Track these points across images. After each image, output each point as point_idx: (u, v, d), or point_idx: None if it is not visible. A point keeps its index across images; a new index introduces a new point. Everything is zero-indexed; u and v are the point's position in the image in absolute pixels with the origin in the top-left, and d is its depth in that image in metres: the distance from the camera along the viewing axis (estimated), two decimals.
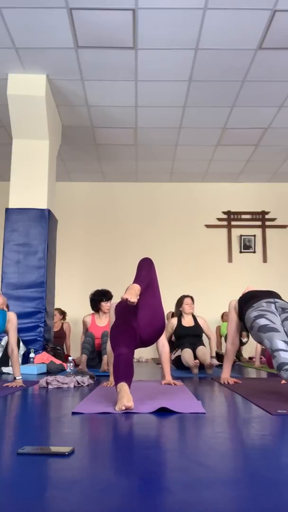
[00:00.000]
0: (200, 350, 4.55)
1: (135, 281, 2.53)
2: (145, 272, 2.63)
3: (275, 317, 2.76)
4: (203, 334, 5.04)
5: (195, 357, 4.50)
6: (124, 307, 2.73)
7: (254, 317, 2.79)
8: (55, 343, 5.54)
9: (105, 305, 4.86)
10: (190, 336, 4.93)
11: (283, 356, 2.43)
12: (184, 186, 8.00)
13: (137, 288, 2.46)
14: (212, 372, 4.27)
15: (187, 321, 5.07)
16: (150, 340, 2.70)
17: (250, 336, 6.64)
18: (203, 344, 4.74)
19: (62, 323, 6.71)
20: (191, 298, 5.27)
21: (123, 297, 2.38)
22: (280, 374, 2.41)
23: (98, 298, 4.92)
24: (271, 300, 2.94)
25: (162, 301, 2.75)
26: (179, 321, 5.09)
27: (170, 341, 4.95)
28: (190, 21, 4.05)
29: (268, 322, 2.69)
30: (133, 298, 2.39)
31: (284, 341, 2.53)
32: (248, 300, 3.05)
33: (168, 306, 7.11)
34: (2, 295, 3.54)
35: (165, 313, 2.85)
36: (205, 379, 3.81)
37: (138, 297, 2.45)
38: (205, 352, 4.49)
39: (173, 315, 5.57)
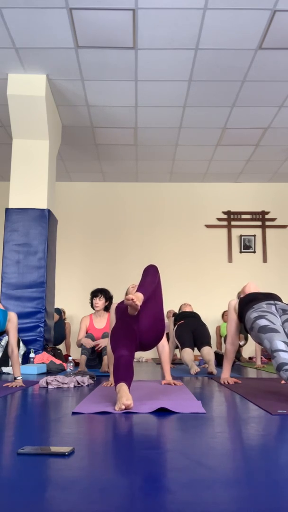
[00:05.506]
0: (205, 349, 4.55)
1: (139, 290, 2.49)
2: (150, 279, 2.59)
3: (275, 318, 2.77)
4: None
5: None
6: (124, 310, 2.72)
7: (255, 318, 2.80)
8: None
9: (94, 302, 4.87)
10: (189, 317, 5.09)
11: (282, 357, 2.43)
12: (184, 186, 8.00)
13: (140, 297, 2.43)
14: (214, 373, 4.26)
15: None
16: (149, 344, 2.71)
17: (247, 339, 6.66)
18: (207, 343, 4.68)
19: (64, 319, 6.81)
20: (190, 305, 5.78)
21: (129, 297, 2.35)
22: (280, 374, 2.41)
23: (92, 296, 4.94)
24: (272, 302, 2.96)
25: (163, 305, 2.75)
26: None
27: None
28: (190, 21, 4.05)
29: (268, 323, 2.70)
30: (139, 301, 2.37)
31: (284, 342, 2.53)
32: (248, 302, 3.07)
33: (169, 306, 7.15)
34: None
35: (165, 312, 2.86)
36: (205, 379, 3.81)
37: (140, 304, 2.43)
38: (211, 353, 4.49)
39: (174, 314, 5.66)
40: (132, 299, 2.36)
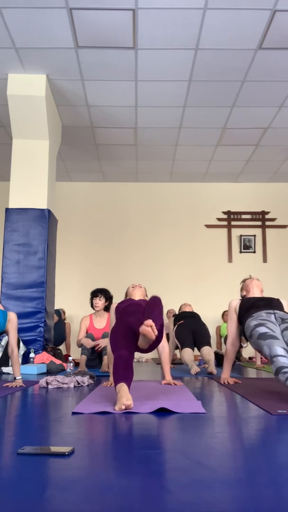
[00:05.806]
0: (205, 349, 4.56)
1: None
2: (157, 313, 2.48)
3: (274, 326, 2.83)
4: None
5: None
6: (125, 310, 2.72)
7: (254, 325, 2.85)
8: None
9: (94, 302, 4.88)
10: (189, 317, 5.12)
11: (281, 361, 2.45)
12: (184, 186, 8.00)
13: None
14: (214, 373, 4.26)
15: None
16: (148, 348, 2.70)
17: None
18: (207, 343, 4.68)
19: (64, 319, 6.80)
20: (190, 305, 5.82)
21: (149, 323, 2.24)
22: (278, 378, 2.42)
23: (92, 296, 4.95)
24: (271, 311, 3.01)
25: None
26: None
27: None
28: (190, 21, 4.05)
29: (268, 330, 2.74)
30: (156, 332, 2.28)
31: (284, 348, 2.55)
32: (248, 309, 3.10)
33: (169, 306, 7.15)
34: None
35: (165, 313, 2.85)
36: (205, 379, 3.81)
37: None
38: (211, 353, 4.49)
39: (174, 315, 5.66)
40: (151, 326, 2.23)
